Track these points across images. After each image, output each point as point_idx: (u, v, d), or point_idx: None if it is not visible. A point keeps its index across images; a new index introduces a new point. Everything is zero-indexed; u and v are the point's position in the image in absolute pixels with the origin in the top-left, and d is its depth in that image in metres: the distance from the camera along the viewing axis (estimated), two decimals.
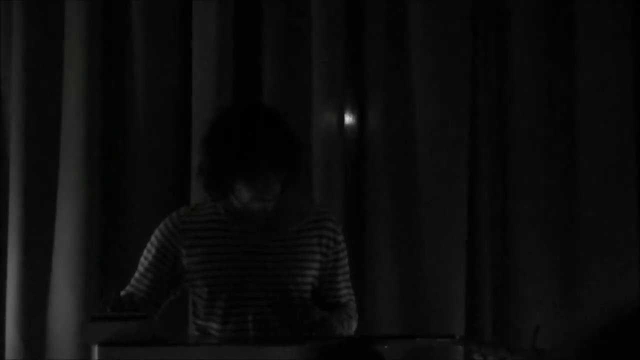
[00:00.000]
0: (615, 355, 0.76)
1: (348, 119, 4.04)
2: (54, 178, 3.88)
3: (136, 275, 3.09)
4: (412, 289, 3.94)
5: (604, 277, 3.89)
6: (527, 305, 3.94)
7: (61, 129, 3.89)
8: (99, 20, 3.92)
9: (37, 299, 3.83)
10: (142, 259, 3.10)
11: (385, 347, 2.94)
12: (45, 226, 3.87)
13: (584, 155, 3.97)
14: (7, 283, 3.83)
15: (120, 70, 3.96)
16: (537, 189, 3.98)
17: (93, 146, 3.87)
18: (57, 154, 3.89)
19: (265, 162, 2.89)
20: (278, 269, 3.04)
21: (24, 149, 3.86)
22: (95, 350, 2.72)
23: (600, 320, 0.78)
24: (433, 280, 3.93)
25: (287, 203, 3.05)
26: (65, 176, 3.86)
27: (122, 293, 3.03)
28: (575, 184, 3.99)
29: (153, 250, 3.07)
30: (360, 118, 4.04)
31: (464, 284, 3.94)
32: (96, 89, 3.90)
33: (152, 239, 3.09)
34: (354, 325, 3.18)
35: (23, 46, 3.88)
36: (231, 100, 3.94)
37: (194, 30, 3.94)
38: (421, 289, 3.93)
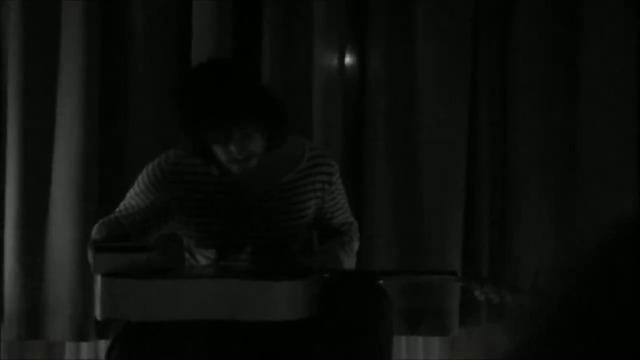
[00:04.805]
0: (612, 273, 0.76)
1: (349, 59, 4.00)
2: (52, 110, 3.84)
3: (123, 209, 3.04)
4: (409, 228, 3.94)
5: (603, 212, 3.91)
6: (524, 242, 3.96)
7: (60, 45, 3.84)
8: None
9: (35, 223, 3.81)
10: (131, 195, 3.04)
11: (381, 281, 2.95)
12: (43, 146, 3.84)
13: (585, 89, 3.98)
14: (5, 209, 3.82)
15: None
16: (538, 127, 3.98)
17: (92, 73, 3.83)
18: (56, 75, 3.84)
19: (234, 122, 2.78)
20: (272, 221, 3.02)
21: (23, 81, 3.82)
22: (99, 280, 2.72)
23: (591, 244, 0.78)
24: (430, 219, 3.93)
25: (280, 152, 2.99)
26: (63, 105, 3.83)
27: (113, 217, 3.01)
28: (576, 121, 3.99)
29: (141, 195, 3.02)
30: (361, 59, 4.00)
31: (462, 224, 3.95)
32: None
33: (140, 184, 3.03)
34: (356, 246, 3.18)
35: None
36: (231, 35, 3.89)
37: None
38: (419, 230, 3.93)
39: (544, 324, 0.75)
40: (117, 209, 3.06)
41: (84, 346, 3.97)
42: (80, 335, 3.82)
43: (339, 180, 3.14)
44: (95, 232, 2.99)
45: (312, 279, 2.80)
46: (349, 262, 3.10)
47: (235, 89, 2.80)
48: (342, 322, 2.81)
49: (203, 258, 3.09)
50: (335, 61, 3.95)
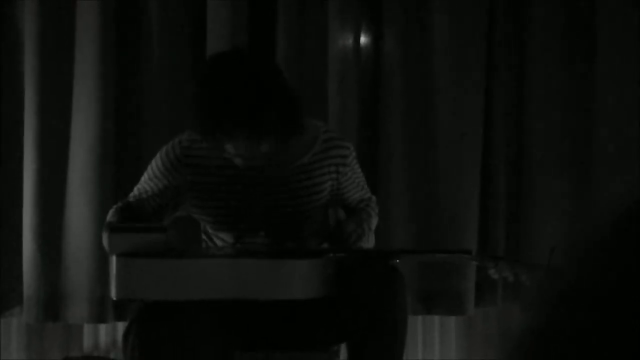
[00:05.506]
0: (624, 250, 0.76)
1: (364, 41, 3.99)
2: (69, 96, 3.85)
3: (137, 194, 3.06)
4: (425, 209, 3.94)
5: (618, 193, 3.90)
6: (539, 222, 3.95)
7: (75, 37, 3.85)
8: None
9: (53, 207, 3.83)
10: (145, 179, 3.05)
11: (397, 261, 2.95)
12: (60, 126, 3.85)
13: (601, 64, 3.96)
14: (23, 195, 3.84)
15: None
16: (554, 103, 3.97)
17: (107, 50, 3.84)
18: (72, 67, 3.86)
19: (244, 130, 2.77)
20: (286, 204, 3.02)
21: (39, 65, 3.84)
22: (114, 260, 2.73)
23: (602, 225, 0.78)
24: (446, 200, 3.93)
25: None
26: (80, 91, 3.84)
27: (128, 201, 3.03)
28: (593, 101, 3.98)
29: (154, 179, 3.02)
30: (376, 41, 3.99)
31: (478, 204, 3.94)
32: None
33: (154, 167, 3.04)
34: (375, 222, 3.18)
35: None
36: (246, 17, 3.89)
37: None
38: (435, 210, 3.93)
39: (559, 302, 0.75)
40: (132, 193, 3.07)
41: (102, 328, 4.00)
42: (98, 317, 3.84)
43: (355, 161, 3.13)
44: (110, 216, 3.00)
45: (326, 259, 2.80)
46: (369, 238, 3.09)
47: (250, 98, 2.75)
48: (356, 303, 2.81)
49: (219, 241, 3.10)
50: (350, 43, 3.94)
